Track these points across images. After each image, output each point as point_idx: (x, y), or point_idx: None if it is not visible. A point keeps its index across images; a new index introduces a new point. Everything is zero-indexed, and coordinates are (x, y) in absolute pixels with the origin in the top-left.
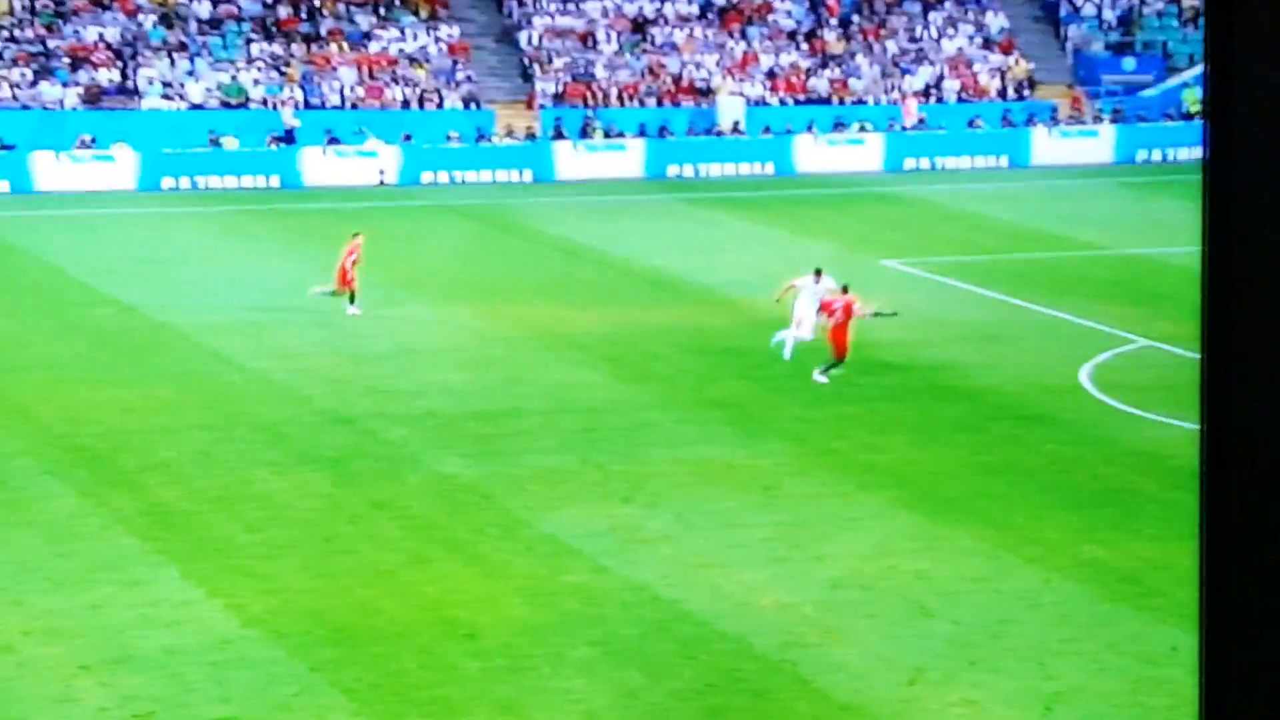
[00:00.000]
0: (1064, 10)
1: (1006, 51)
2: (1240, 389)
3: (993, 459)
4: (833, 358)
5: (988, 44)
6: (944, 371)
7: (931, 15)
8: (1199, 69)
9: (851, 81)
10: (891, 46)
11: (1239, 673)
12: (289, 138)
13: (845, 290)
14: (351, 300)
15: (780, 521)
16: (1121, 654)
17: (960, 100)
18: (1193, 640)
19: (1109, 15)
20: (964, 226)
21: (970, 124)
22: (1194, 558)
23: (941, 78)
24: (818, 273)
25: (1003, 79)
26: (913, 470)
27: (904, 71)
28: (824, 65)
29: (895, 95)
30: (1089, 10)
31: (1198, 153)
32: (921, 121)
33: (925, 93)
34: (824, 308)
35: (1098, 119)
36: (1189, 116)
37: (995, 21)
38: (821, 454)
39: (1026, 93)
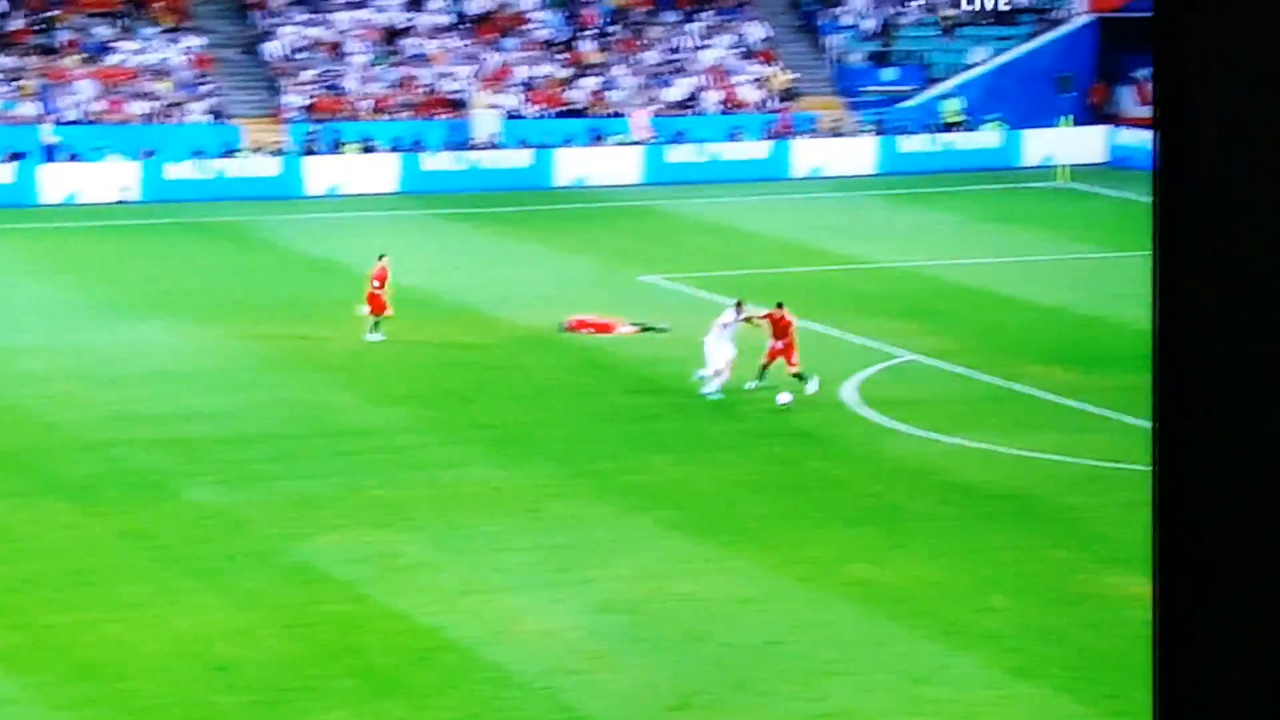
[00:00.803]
0: (822, 21)
1: (767, 62)
2: (1191, 391)
3: (760, 478)
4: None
5: (748, 54)
6: None
7: (690, 26)
8: (958, 79)
9: (610, 93)
10: (650, 57)
11: (1191, 671)
12: (49, 155)
13: (780, 306)
14: (375, 327)
15: (545, 544)
16: (890, 673)
17: (721, 111)
18: (961, 658)
19: (867, 26)
20: (725, 240)
21: (731, 135)
22: (960, 575)
23: (701, 89)
24: (739, 305)
25: (763, 90)
26: (679, 490)
27: (662, 83)
28: (581, 76)
29: (654, 107)
30: (848, 21)
31: (959, 163)
32: (653, 135)
33: (684, 104)
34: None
35: (859, 130)
36: (947, 127)
37: (755, 32)
38: (587, 475)
39: (787, 104)
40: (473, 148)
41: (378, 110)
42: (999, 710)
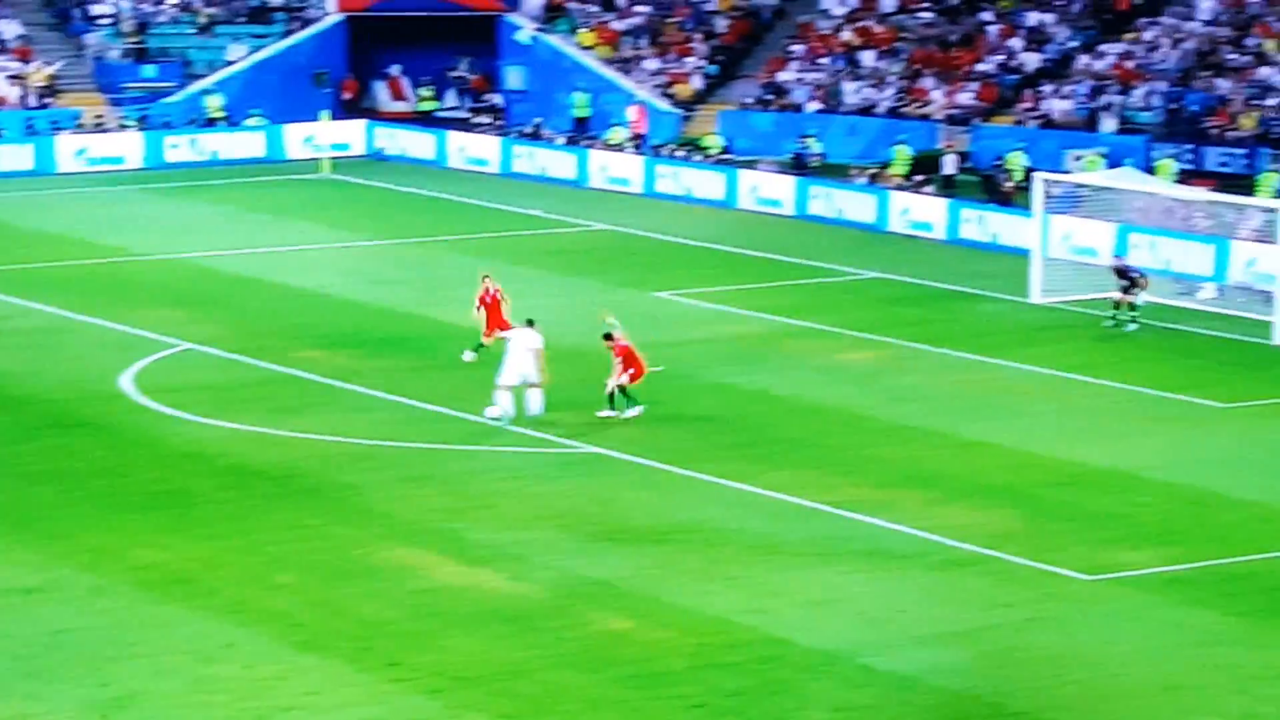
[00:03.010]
0: (79, 17)
1: (24, 59)
2: None
3: (41, 468)
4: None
5: (3, 50)
6: None
7: None
8: (218, 75)
9: None
10: None
11: None
12: None
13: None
14: (478, 348)
15: None
16: (179, 654)
17: None
18: (249, 635)
19: (125, 24)
20: None
21: None
22: (246, 554)
23: None
24: (530, 323)
25: (23, 86)
26: None
27: None
28: None
29: None
30: (105, 18)
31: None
32: None
33: None
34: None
35: (124, 125)
36: (210, 122)
37: (9, 28)
38: None
39: (49, 100)
40: None
41: None
42: (286, 683)
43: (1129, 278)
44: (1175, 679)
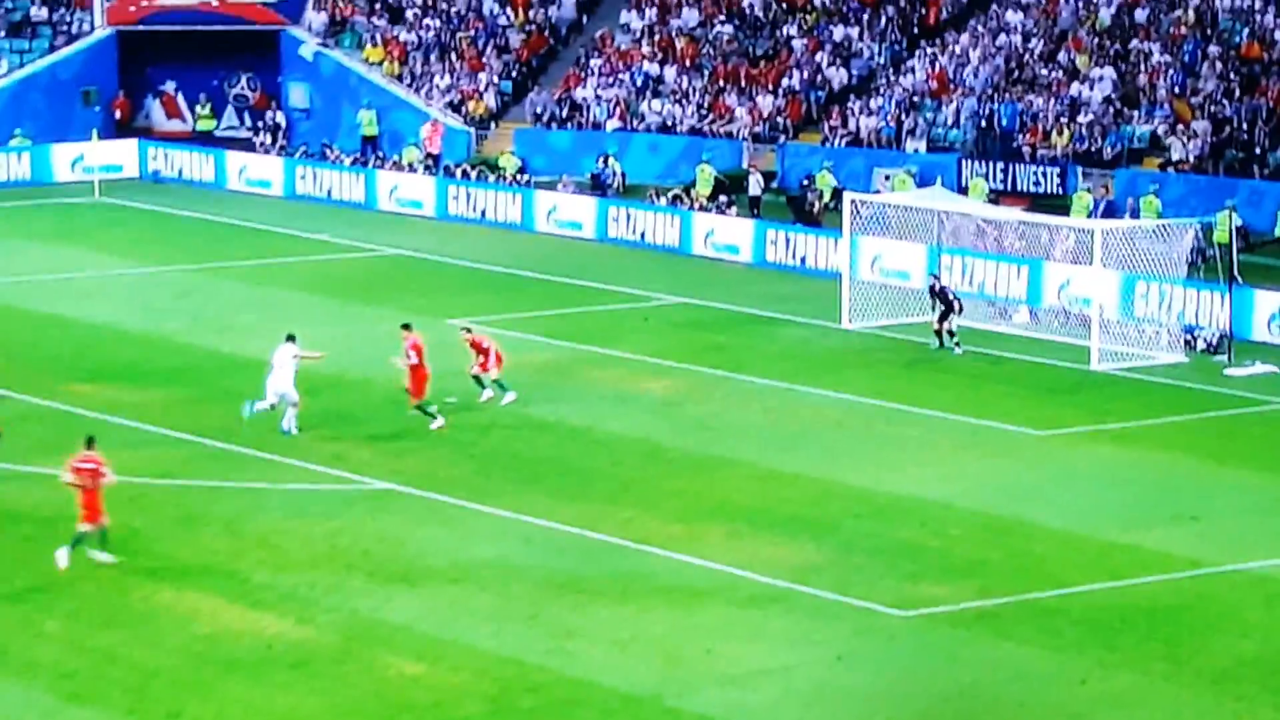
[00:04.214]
0: None
1: None
2: None
3: None
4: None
5: None
6: None
7: None
8: None
9: None
10: None
11: None
12: None
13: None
14: (488, 387)
15: None
16: None
17: None
18: (11, 686)
19: None
20: None
21: None
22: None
23: None
24: (290, 338)
25: None
26: None
27: None
28: None
29: None
30: None
31: None
32: None
33: None
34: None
35: None
36: None
37: None
38: None
39: None
40: None
41: None
42: None
43: (946, 300)
44: (990, 718)
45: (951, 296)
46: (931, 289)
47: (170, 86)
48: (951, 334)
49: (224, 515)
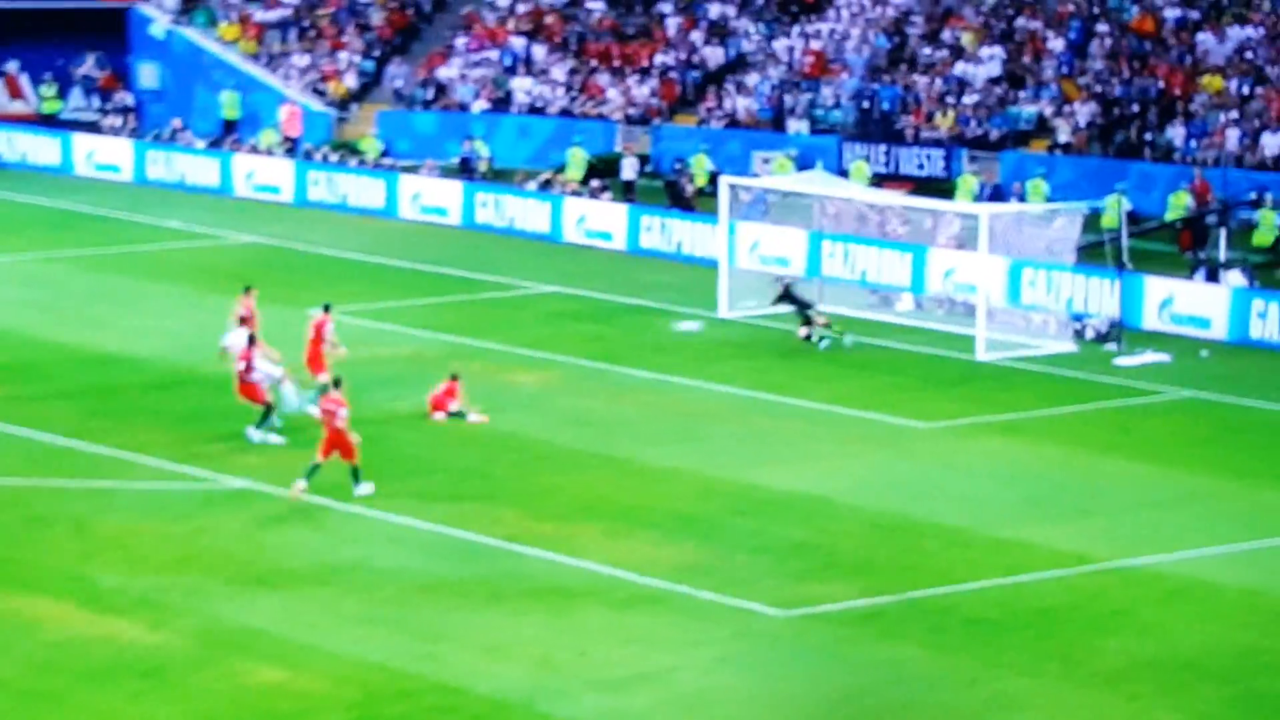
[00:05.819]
0: None
1: None
2: None
3: None
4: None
5: None
6: None
7: None
8: None
9: None
10: None
11: None
12: None
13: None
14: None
15: None
16: None
17: None
18: None
19: None
20: None
21: None
22: None
23: None
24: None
25: None
26: None
27: None
28: None
29: None
30: None
31: None
32: None
33: None
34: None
35: None
36: None
37: None
38: None
39: None
40: None
41: None
42: None
43: (795, 300)
44: None
45: (799, 294)
46: (781, 295)
47: (13, 66)
48: (828, 325)
49: (71, 516)
